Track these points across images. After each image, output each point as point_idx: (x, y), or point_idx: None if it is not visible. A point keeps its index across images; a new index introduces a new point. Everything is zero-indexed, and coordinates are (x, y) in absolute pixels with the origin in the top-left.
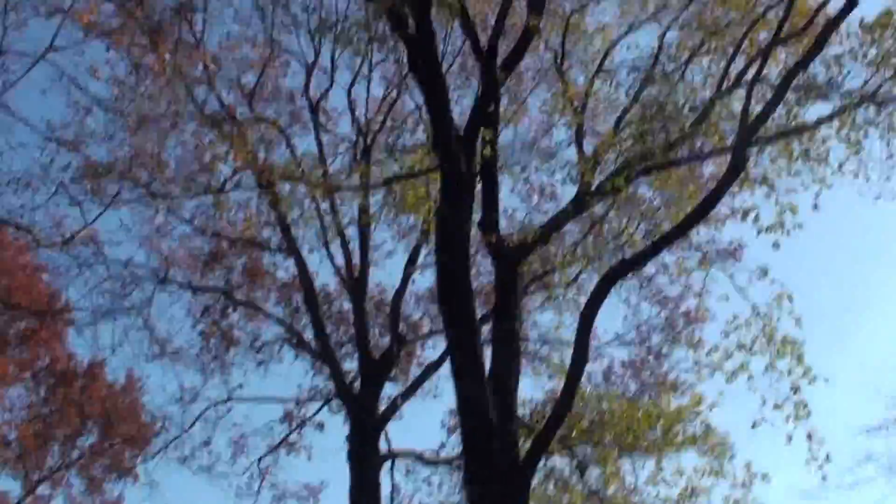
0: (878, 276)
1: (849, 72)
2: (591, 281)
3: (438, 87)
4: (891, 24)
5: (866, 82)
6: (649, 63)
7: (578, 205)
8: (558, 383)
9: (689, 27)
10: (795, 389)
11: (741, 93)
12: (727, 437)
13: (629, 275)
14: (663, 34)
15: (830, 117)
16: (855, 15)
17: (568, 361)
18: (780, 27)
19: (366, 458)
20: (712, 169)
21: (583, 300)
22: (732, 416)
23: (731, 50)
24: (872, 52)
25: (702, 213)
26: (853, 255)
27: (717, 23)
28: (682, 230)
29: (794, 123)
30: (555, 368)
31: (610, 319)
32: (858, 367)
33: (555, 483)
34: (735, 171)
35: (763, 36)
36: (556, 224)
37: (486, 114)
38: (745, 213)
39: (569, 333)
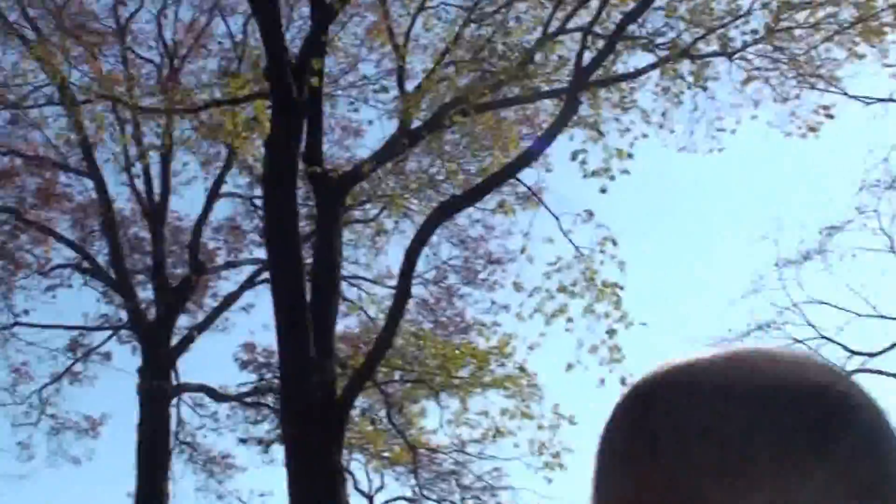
0: (699, 226)
1: (667, 24)
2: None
3: (273, 15)
4: None
5: (679, 35)
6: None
7: (411, 139)
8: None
9: None
10: (611, 333)
11: (565, 37)
12: (537, 378)
13: (459, 211)
14: None
15: (654, 66)
16: None
17: (364, 298)
18: None
19: (156, 391)
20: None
21: (380, 238)
22: (549, 359)
23: None
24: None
25: (534, 154)
26: (674, 206)
27: None
28: (512, 170)
29: (614, 71)
30: (353, 307)
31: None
32: (677, 314)
33: (368, 421)
34: (569, 114)
35: None
36: (386, 157)
37: (318, 43)
38: (575, 155)
39: (362, 270)
